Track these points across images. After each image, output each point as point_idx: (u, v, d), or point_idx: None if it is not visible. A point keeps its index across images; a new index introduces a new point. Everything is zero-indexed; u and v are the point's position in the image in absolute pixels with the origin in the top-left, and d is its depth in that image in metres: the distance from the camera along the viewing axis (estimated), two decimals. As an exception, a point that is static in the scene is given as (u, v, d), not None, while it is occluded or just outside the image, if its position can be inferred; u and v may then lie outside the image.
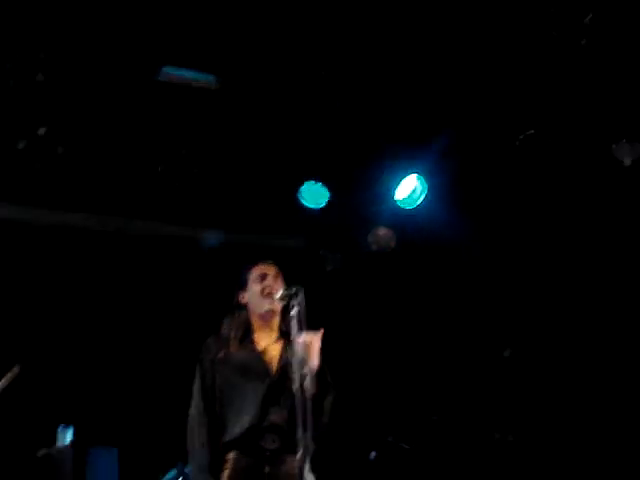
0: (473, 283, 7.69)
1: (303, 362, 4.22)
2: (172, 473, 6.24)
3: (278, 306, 4.52)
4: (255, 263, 4.71)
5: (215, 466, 4.34)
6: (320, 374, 4.30)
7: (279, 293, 4.47)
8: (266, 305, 4.56)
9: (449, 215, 7.20)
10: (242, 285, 4.66)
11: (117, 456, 6.38)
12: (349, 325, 7.59)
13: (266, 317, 4.59)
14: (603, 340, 7.27)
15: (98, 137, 6.51)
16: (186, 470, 6.16)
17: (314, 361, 4.25)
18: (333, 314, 6.78)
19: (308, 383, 4.17)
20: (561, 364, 7.45)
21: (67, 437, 5.99)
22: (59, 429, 6.01)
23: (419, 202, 7.29)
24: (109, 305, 7.26)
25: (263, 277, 4.62)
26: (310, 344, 4.26)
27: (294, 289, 4.34)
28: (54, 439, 6.01)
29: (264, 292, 4.57)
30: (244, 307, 4.64)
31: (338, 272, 7.83)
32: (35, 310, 7.00)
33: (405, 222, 7.56)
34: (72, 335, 7.06)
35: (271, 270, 4.66)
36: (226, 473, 4.33)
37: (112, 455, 6.31)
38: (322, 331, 4.33)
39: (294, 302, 4.31)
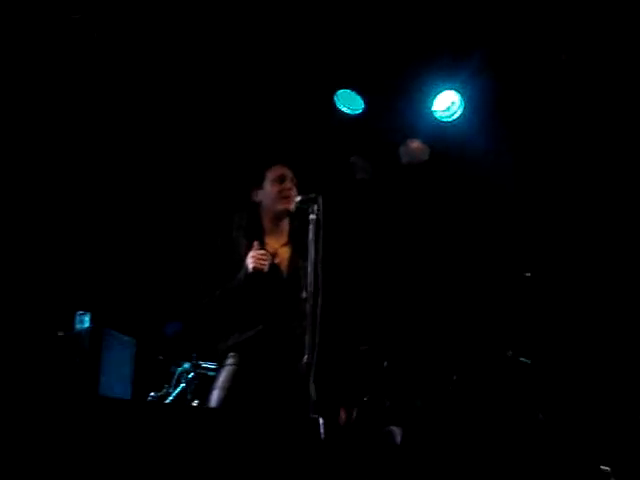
0: (504, 198, 7.56)
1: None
2: (186, 365, 6.35)
3: (292, 208, 4.50)
4: (272, 164, 4.69)
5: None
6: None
7: (298, 197, 4.45)
8: (281, 206, 4.55)
9: (485, 130, 7.09)
10: (257, 183, 4.65)
11: (134, 345, 6.45)
12: (369, 238, 7.56)
13: (279, 218, 4.58)
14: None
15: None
16: (200, 363, 6.27)
17: None
18: (356, 225, 6.75)
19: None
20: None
21: (85, 322, 6.08)
22: (77, 314, 6.09)
23: (456, 116, 7.19)
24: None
25: (281, 179, 4.60)
26: None
27: (313, 195, 4.33)
28: (72, 323, 6.10)
29: (281, 194, 4.56)
30: (256, 206, 4.64)
31: (367, 182, 7.74)
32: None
33: (440, 136, 7.44)
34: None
35: (288, 173, 4.64)
36: (229, 370, 4.40)
37: (128, 343, 6.39)
38: None
39: (312, 208, 4.30)
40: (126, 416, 3.33)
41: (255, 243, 4.37)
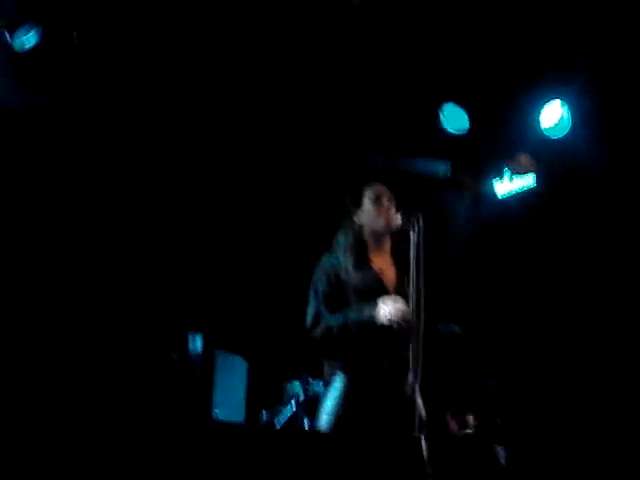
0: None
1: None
2: (296, 384, 6.41)
3: (393, 227, 4.54)
4: (370, 183, 4.74)
5: None
6: None
7: (399, 215, 4.49)
8: (381, 225, 4.59)
9: (595, 145, 6.97)
10: (356, 203, 4.70)
11: (245, 364, 6.56)
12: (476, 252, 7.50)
13: (381, 236, 4.62)
14: None
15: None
16: (311, 381, 6.33)
17: None
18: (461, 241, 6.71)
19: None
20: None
21: (197, 343, 6.20)
22: (189, 336, 6.22)
23: (565, 131, 7.10)
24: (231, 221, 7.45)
25: (379, 197, 4.65)
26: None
27: (414, 212, 4.37)
28: (185, 344, 6.23)
29: (380, 213, 4.60)
30: (358, 225, 4.68)
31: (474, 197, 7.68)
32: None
33: (549, 151, 7.35)
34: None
35: (386, 191, 4.68)
36: (337, 393, 4.45)
37: (239, 363, 6.50)
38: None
39: (413, 227, 4.33)
40: (238, 440, 3.40)
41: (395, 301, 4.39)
